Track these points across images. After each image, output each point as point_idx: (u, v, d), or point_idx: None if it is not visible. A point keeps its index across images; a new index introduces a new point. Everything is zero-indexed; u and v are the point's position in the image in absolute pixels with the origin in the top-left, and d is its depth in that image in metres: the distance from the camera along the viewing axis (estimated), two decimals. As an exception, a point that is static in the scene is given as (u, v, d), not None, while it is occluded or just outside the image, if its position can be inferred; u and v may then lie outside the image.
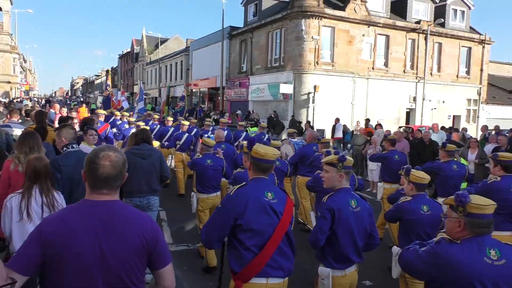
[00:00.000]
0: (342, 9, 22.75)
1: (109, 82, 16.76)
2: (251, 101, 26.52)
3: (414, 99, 25.49)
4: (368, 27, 23.43)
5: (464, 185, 6.11)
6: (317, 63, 22.09)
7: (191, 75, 37.03)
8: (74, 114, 10.38)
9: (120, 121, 11.17)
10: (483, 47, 27.97)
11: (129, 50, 65.62)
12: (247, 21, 28.39)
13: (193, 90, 37.27)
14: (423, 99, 25.53)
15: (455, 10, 27.39)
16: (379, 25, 23.62)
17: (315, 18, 21.68)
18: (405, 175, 3.96)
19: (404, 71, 24.93)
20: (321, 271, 3.11)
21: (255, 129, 14.88)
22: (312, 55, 21.91)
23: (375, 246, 3.33)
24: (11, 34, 43.68)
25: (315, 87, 21.77)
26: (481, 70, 28.13)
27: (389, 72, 24.43)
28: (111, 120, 11.39)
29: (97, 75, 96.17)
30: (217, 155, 5.85)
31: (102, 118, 9.97)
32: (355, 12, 22.89)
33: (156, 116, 12.41)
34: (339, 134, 18.14)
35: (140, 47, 57.66)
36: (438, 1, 26.66)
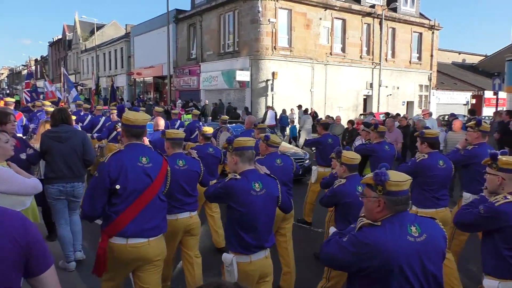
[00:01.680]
0: (299, -10, 21.47)
1: (30, 70, 15.38)
2: (203, 90, 24.59)
3: (371, 85, 25.03)
4: (325, 10, 22.38)
5: None
6: (275, 48, 20.69)
7: (133, 63, 34.11)
8: None
9: (41, 112, 10.17)
10: (433, 32, 28.18)
11: (60, 37, 60.15)
12: (194, 4, 26.21)
13: (136, 79, 34.41)
14: (380, 85, 25.17)
15: (406, -5, 27.23)
16: (335, 8, 22.67)
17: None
18: (336, 158, 3.95)
19: (361, 57, 24.31)
20: (224, 258, 2.95)
21: (189, 116, 14.50)
22: (269, 39, 20.45)
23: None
24: None
25: (273, 73, 20.39)
26: (431, 55, 28.36)
27: (346, 58, 23.66)
28: (33, 113, 10.68)
29: (25, 65, 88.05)
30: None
31: (12, 107, 9.26)
32: (312, -6, 21.71)
33: (87, 106, 11.81)
34: (272, 122, 17.68)
35: (73, 33, 52.84)
36: (390, -15, 26.28)
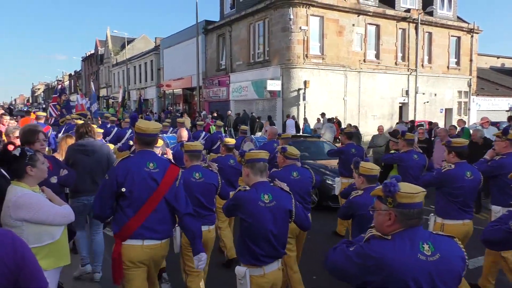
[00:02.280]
0: (330, -4, 20.83)
1: (63, 85, 16.16)
2: (233, 100, 24.20)
3: (407, 92, 23.95)
4: (358, 16, 21.63)
5: None
6: (307, 56, 20.06)
7: (163, 76, 34.29)
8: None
9: (68, 126, 10.38)
10: (472, 36, 26.86)
11: (93, 52, 61.82)
12: (223, 14, 26.07)
13: (166, 91, 34.54)
14: (416, 92, 24.06)
15: (443, -1, 26.13)
16: (369, 14, 21.88)
17: (302, 7, 19.65)
18: (355, 168, 3.82)
19: (396, 63, 23.33)
20: (237, 271, 2.95)
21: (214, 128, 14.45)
22: (301, 47, 19.85)
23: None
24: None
25: (305, 82, 19.75)
26: (471, 60, 27.00)
27: (380, 65, 22.74)
28: (61, 126, 10.91)
29: (59, 80, 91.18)
30: (164, 156, 5.18)
31: (42, 120, 9.61)
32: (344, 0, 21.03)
33: (113, 119, 11.96)
34: (291, 131, 16.98)
35: (104, 48, 54.16)
36: (425, -11, 25.26)
